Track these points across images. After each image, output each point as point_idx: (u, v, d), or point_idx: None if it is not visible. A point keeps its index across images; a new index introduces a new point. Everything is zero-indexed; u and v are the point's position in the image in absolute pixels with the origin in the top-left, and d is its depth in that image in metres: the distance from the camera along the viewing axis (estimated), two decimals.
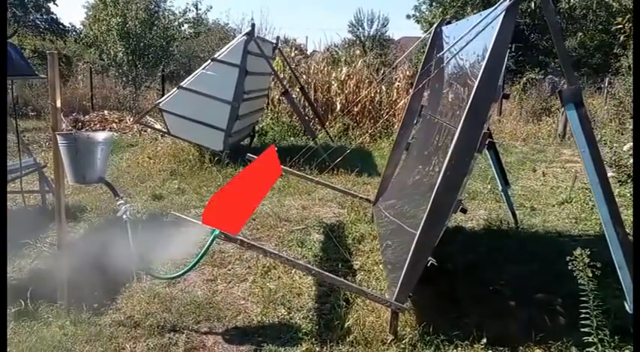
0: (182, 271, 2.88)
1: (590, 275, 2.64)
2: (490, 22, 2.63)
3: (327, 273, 2.90)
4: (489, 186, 6.56)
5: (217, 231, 2.83)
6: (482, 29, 2.70)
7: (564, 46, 2.61)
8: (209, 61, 7.54)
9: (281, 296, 3.56)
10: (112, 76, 17.23)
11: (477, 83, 2.61)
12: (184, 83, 7.62)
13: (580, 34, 23.13)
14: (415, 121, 5.11)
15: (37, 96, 15.65)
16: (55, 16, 19.05)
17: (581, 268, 2.65)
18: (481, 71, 2.60)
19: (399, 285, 2.87)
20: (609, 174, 6.63)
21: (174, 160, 7.95)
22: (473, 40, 2.86)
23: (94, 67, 18.41)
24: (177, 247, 3.40)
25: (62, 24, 19.28)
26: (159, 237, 3.47)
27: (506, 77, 16.59)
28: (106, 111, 12.39)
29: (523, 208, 6.01)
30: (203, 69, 7.54)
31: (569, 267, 2.70)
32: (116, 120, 11.39)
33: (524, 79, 15.15)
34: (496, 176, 5.15)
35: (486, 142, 2.66)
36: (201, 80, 7.50)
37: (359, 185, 7.03)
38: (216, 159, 7.76)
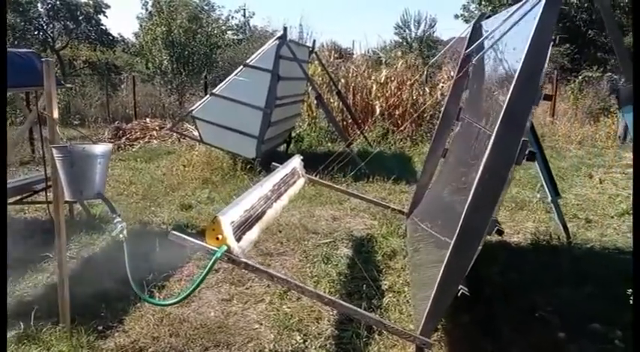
0: (178, 298, 2.63)
1: None
2: (529, 10, 2.22)
3: (340, 302, 2.57)
4: (539, 195, 5.99)
5: (219, 253, 2.55)
6: (520, 19, 2.30)
7: (620, 34, 2.17)
8: (241, 66, 7.37)
9: (298, 321, 3.25)
10: (157, 84, 17.56)
11: (513, 83, 2.21)
12: (216, 90, 7.49)
13: None
14: (453, 125, 4.70)
15: (90, 105, 16.17)
16: (104, 28, 19.65)
17: None
18: (518, 69, 2.20)
19: (424, 317, 2.50)
20: None
21: (207, 168, 7.83)
22: (508, 32, 2.46)
23: (141, 76, 18.87)
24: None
25: (111, 35, 19.85)
26: (165, 256, 3.26)
27: (561, 76, 15.61)
28: (147, 119, 12.53)
29: (577, 220, 5.44)
30: (235, 75, 7.38)
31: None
32: (157, 128, 11.48)
33: (580, 77, 14.20)
34: (545, 185, 4.65)
35: (526, 152, 2.25)
36: (233, 86, 7.34)
37: (395, 194, 6.63)
38: (248, 166, 7.58)
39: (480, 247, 2.43)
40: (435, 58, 7.97)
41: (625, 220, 5.35)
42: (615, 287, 3.74)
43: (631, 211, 5.50)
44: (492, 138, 2.27)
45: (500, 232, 2.38)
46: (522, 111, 2.24)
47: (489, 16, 4.40)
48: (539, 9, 2.13)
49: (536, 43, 2.15)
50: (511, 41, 2.87)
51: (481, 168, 2.30)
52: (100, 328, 3.17)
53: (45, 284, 3.93)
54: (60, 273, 3.06)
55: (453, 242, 2.39)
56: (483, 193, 2.31)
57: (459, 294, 2.44)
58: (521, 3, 2.40)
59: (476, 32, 4.32)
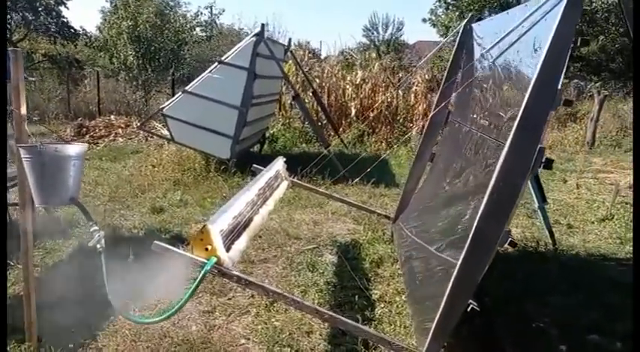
0: (164, 316, 2.37)
1: None
2: (548, 12, 2.10)
3: (341, 318, 2.39)
4: (522, 201, 5.96)
5: (209, 266, 2.33)
6: (537, 22, 2.18)
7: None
8: (216, 63, 7.08)
9: (288, 336, 3.05)
10: (121, 80, 16.93)
11: (530, 88, 2.08)
12: (189, 87, 7.18)
13: (602, 37, 22.23)
14: (441, 129, 4.59)
15: (48, 100, 15.40)
16: (65, 20, 18.80)
17: None
18: (535, 74, 2.07)
19: (430, 334, 2.34)
20: None
21: (178, 169, 7.51)
22: (525, 34, 2.34)
23: (105, 71, 18.14)
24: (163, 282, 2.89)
25: (73, 28, 19.02)
26: (144, 267, 2.99)
27: None
28: (112, 116, 12.02)
29: (559, 225, 5.43)
30: (210, 72, 7.08)
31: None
32: (122, 126, 11.00)
33: None
34: (532, 191, 4.60)
35: (542, 160, 2.13)
36: (208, 84, 7.04)
37: (376, 197, 6.50)
38: (222, 167, 7.30)
39: (490, 259, 2.31)
40: (421, 61, 7.91)
41: (605, 226, 5.38)
42: (605, 295, 3.73)
43: (610, 217, 5.56)
44: (506, 146, 2.13)
45: (513, 244, 2.25)
46: (539, 117, 2.12)
47: (479, 19, 4.31)
48: (559, 9, 2.01)
49: (557, 45, 2.03)
50: (516, 44, 2.76)
51: (494, 176, 2.16)
52: (71, 346, 2.88)
53: (7, 296, 3.58)
54: (26, 286, 2.76)
55: (463, 254, 2.25)
56: (497, 202, 2.17)
57: (468, 309, 2.30)
58: (537, 5, 2.29)
59: (466, 35, 4.22)
